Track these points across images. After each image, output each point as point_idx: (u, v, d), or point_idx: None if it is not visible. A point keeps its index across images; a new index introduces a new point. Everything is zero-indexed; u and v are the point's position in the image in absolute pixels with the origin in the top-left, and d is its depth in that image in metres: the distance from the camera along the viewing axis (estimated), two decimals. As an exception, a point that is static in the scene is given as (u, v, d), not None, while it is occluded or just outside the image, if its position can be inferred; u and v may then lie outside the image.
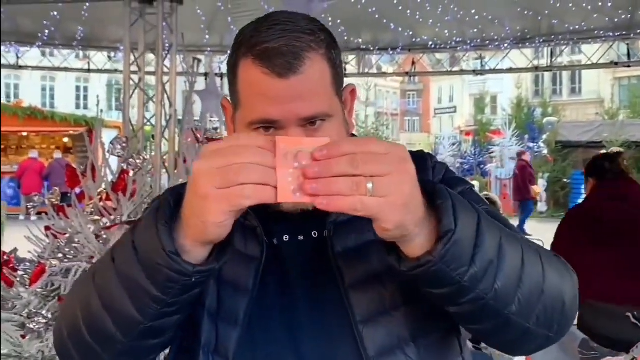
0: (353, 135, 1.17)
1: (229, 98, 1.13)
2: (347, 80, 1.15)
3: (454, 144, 28.89)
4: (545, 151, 21.09)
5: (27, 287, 3.41)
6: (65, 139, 19.89)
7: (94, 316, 1.00)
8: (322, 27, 1.07)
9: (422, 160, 1.17)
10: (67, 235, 3.48)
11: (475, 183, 16.80)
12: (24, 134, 20.07)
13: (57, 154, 17.39)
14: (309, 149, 0.85)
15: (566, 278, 1.04)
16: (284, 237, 1.13)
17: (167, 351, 1.17)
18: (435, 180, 1.17)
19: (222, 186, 0.84)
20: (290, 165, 0.85)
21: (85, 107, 36.25)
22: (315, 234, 1.13)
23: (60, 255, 3.40)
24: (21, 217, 14.10)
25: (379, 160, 0.83)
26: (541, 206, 18.67)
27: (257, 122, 1.03)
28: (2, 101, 23.62)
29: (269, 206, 0.95)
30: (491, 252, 0.92)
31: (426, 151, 1.26)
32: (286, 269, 1.11)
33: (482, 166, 24.57)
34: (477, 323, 1.00)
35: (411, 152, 0.92)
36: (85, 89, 38.80)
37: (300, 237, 1.13)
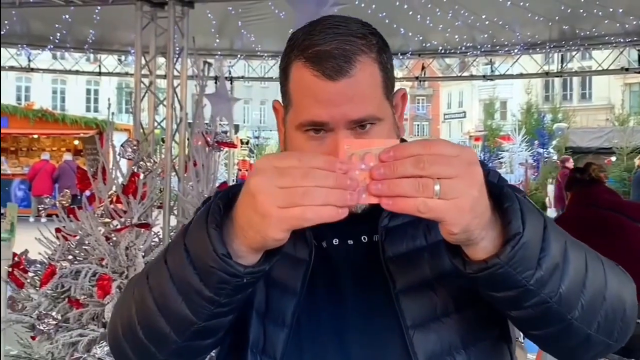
0: (403, 140, 1.14)
1: (280, 100, 1.13)
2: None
3: (463, 149, 28.77)
4: (555, 157, 20.98)
5: (38, 288, 3.43)
6: (76, 142, 20.00)
7: (149, 316, 1.00)
8: (373, 31, 1.06)
9: None
10: (78, 237, 3.50)
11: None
12: (35, 136, 20.22)
13: (67, 156, 17.43)
14: (377, 150, 0.85)
15: (627, 285, 1.04)
16: (334, 241, 1.12)
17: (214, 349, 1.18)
18: None
19: (284, 206, 0.83)
20: (357, 167, 0.84)
21: (96, 110, 36.43)
22: (364, 238, 1.12)
23: (70, 257, 3.43)
24: (31, 220, 14.16)
25: (447, 162, 0.82)
26: (551, 212, 18.57)
27: (307, 123, 1.04)
28: (14, 103, 23.86)
29: None
30: (557, 256, 0.91)
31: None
32: (335, 273, 1.11)
33: (491, 171, 24.48)
34: (539, 328, 0.99)
35: None
36: (96, 91, 39.04)
37: (350, 242, 1.12)
